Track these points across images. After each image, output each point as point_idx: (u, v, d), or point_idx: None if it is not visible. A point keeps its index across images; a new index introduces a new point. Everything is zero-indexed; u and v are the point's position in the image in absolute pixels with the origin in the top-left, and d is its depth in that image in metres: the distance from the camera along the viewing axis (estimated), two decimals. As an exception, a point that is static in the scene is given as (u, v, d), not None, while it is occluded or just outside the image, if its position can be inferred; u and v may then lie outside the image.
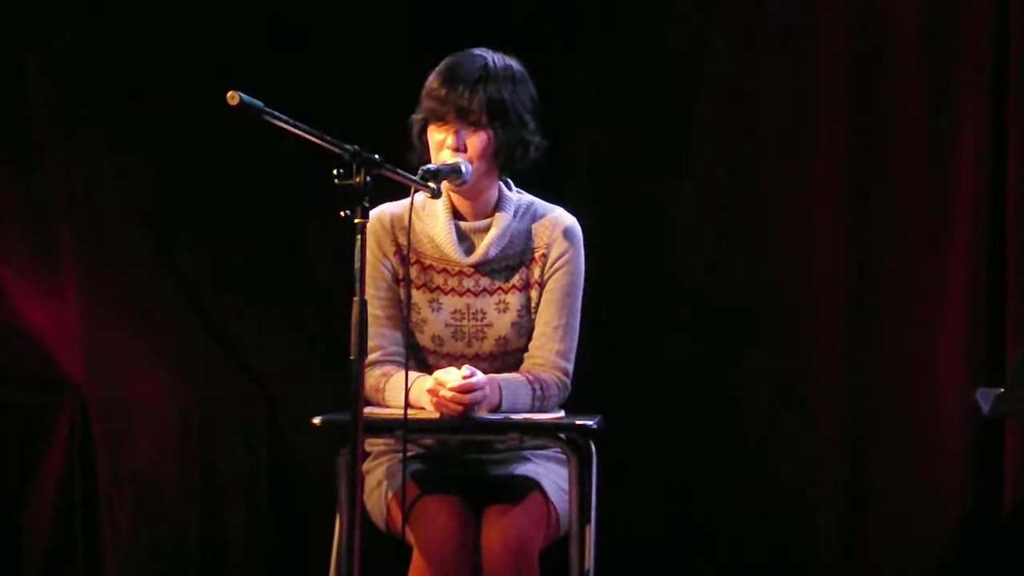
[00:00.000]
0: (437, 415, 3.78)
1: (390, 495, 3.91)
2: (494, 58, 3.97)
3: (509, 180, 4.06)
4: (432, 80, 3.95)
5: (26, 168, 4.94)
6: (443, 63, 3.97)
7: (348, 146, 3.40)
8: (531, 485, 3.90)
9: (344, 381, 3.41)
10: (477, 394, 3.76)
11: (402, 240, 3.98)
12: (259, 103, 3.27)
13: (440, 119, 3.92)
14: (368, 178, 3.40)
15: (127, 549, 4.86)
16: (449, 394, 3.75)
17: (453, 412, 3.76)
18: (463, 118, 3.90)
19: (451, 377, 3.77)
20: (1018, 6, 4.71)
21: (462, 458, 3.99)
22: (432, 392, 3.77)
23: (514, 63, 3.99)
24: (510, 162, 3.97)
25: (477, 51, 3.98)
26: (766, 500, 4.98)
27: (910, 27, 4.85)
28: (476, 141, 3.92)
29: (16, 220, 4.93)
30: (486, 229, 4.01)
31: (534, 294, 4.02)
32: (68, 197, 4.95)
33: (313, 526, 4.75)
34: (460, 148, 3.91)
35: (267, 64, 5.05)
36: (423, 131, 3.98)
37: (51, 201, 4.95)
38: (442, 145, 3.92)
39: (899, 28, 4.86)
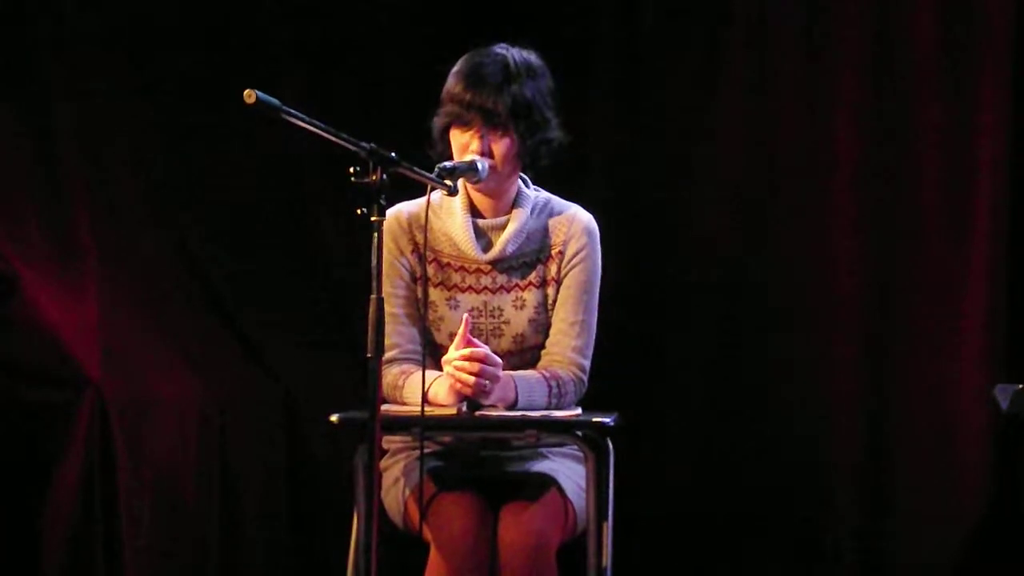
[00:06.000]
0: (454, 411, 3.79)
1: (407, 492, 3.92)
2: (514, 55, 3.95)
3: (526, 177, 4.06)
4: (454, 83, 3.93)
5: (48, 167, 4.95)
6: (463, 64, 3.95)
7: (364, 144, 3.40)
8: (548, 482, 3.90)
9: (362, 379, 3.41)
10: (488, 368, 3.75)
11: (419, 238, 3.98)
12: (276, 101, 3.27)
13: (465, 123, 3.91)
14: (384, 176, 3.40)
15: (147, 545, 4.87)
16: (454, 371, 3.73)
17: (466, 384, 3.74)
18: (488, 121, 3.89)
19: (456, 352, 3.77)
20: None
21: (479, 455, 3.99)
22: (446, 362, 3.77)
23: (532, 57, 3.98)
24: (535, 161, 3.97)
25: (497, 49, 3.96)
26: (785, 497, 4.98)
27: (927, 17, 4.85)
28: (502, 145, 3.91)
29: (37, 219, 4.94)
30: (503, 226, 4.01)
31: (551, 291, 4.02)
32: (88, 196, 4.96)
33: (331, 523, 4.76)
34: (486, 152, 3.90)
35: (289, 63, 5.07)
36: (445, 131, 3.97)
37: (71, 200, 4.95)
38: (466, 148, 3.90)
39: (916, 18, 4.86)
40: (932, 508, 4.86)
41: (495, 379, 3.77)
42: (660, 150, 5.09)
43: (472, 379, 3.74)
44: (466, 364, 3.74)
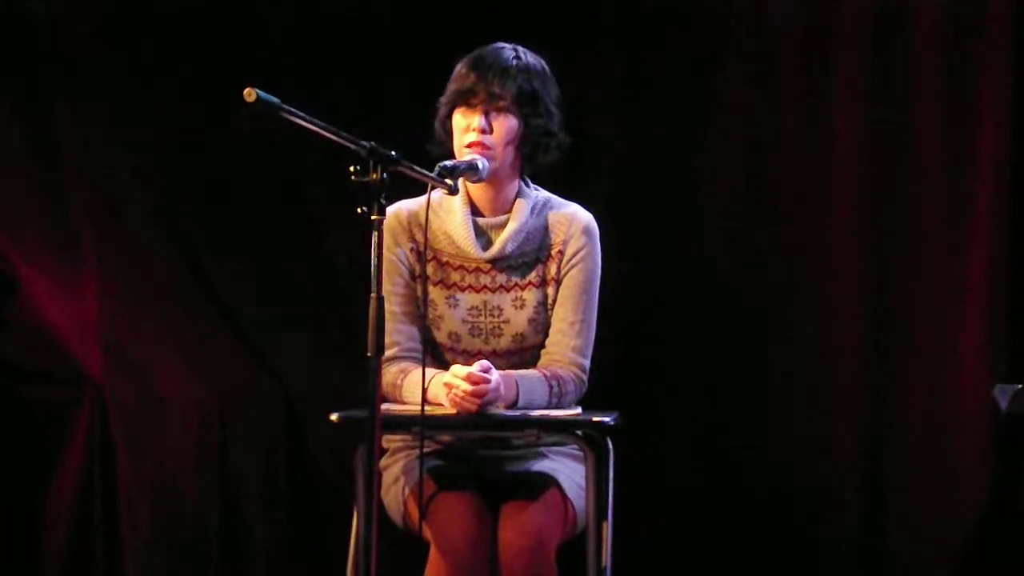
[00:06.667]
0: (454, 411, 3.78)
1: (407, 491, 3.92)
2: (524, 51, 3.98)
3: (527, 177, 4.06)
4: (462, 68, 3.96)
5: (48, 167, 4.96)
6: (473, 53, 3.98)
7: (364, 142, 3.40)
8: (548, 481, 3.90)
9: (362, 378, 3.41)
10: (491, 395, 3.76)
11: (419, 236, 3.99)
12: (275, 99, 3.27)
13: (468, 103, 3.92)
14: (384, 174, 3.40)
15: (146, 545, 4.87)
16: (461, 393, 3.74)
17: (469, 409, 3.76)
18: (492, 102, 3.90)
19: (465, 373, 3.77)
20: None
21: (479, 454, 3.99)
22: (448, 385, 3.77)
23: (541, 61, 4.01)
24: (535, 153, 3.97)
25: (503, 44, 3.99)
26: (785, 498, 4.97)
27: (927, 17, 4.85)
28: (504, 123, 3.92)
29: (38, 218, 4.94)
30: (503, 225, 4.01)
31: (551, 290, 4.02)
32: (89, 195, 4.96)
33: (331, 522, 4.76)
34: (487, 129, 3.91)
35: (289, 63, 5.06)
36: (447, 118, 3.98)
37: (71, 200, 4.96)
38: (468, 128, 3.92)
39: (916, 18, 4.86)
40: (931, 508, 4.86)
41: (496, 403, 3.77)
42: (660, 150, 5.09)
43: (475, 408, 3.75)
44: (470, 397, 3.74)
